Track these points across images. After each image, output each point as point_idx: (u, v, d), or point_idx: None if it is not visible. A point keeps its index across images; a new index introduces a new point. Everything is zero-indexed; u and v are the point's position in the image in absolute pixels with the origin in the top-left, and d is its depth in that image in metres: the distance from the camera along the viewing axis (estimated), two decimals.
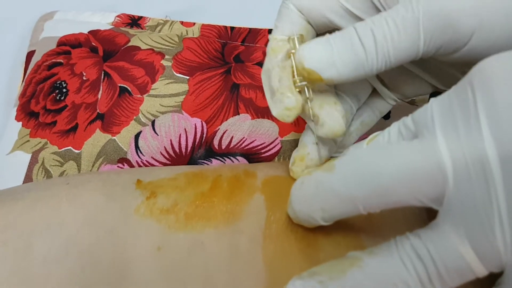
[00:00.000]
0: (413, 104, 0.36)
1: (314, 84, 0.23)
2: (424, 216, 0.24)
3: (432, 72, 0.26)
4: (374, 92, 0.28)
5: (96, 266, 0.23)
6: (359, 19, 0.23)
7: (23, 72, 0.41)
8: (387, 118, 0.35)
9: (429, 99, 0.36)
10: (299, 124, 0.35)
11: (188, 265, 0.23)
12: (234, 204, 0.25)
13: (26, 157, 0.35)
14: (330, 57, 0.21)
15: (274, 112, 0.23)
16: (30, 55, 0.41)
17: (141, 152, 0.34)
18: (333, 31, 0.22)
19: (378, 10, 0.23)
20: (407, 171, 0.18)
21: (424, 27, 0.20)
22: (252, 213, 0.24)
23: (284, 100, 0.23)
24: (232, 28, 0.41)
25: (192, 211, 0.24)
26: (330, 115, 0.24)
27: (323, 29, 0.25)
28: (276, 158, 0.34)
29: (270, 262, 0.23)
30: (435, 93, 0.34)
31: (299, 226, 0.23)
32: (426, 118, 0.19)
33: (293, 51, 0.23)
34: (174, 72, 0.36)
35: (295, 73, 0.23)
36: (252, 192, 0.25)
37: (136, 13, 0.43)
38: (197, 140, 0.34)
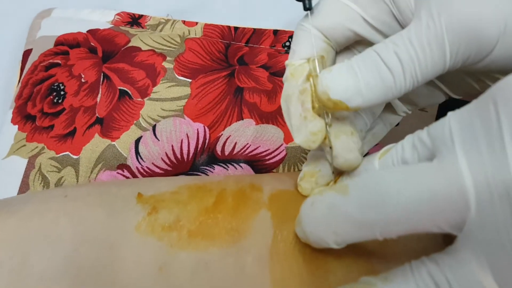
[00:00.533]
0: (422, 111, 0.34)
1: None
2: (439, 237, 0.23)
3: (446, 81, 0.25)
4: (386, 105, 0.27)
5: (95, 287, 0.22)
6: (380, 31, 0.22)
7: (19, 71, 0.40)
8: (396, 125, 0.34)
9: (438, 108, 0.35)
10: None
11: (191, 287, 0.22)
12: (240, 221, 0.24)
13: (23, 162, 0.33)
14: (356, 86, 0.20)
15: (298, 140, 0.23)
16: (26, 53, 0.40)
17: (141, 158, 0.33)
18: (353, 48, 0.21)
19: (395, 18, 0.22)
20: (427, 196, 0.17)
21: (450, 41, 0.19)
22: (258, 231, 0.23)
23: (308, 125, 0.22)
24: (236, 28, 0.40)
25: (195, 228, 0.23)
26: (346, 147, 0.23)
27: (345, 45, 0.24)
28: (281, 165, 0.33)
29: (278, 285, 0.22)
30: (446, 102, 0.33)
31: (307, 246, 0.22)
32: (444, 134, 0.18)
33: (313, 73, 0.22)
34: (176, 75, 0.35)
35: (314, 96, 0.22)
36: (258, 208, 0.24)
37: (136, 10, 0.41)
38: (200, 146, 0.33)
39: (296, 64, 0.23)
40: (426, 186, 0.17)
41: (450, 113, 0.18)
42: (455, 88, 0.25)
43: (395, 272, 0.19)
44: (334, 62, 0.25)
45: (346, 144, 0.23)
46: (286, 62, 0.23)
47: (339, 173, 0.25)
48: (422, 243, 0.23)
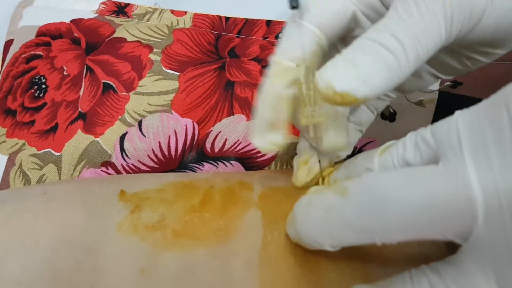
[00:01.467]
0: (420, 105, 0.33)
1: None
2: (441, 243, 0.22)
3: (430, 63, 0.24)
4: None
5: None
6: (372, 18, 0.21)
7: (0, 62, 0.38)
8: (393, 121, 0.33)
9: (437, 104, 0.34)
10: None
11: None
12: (228, 221, 0.22)
13: (2, 159, 0.32)
14: (358, 75, 0.18)
15: (256, 142, 0.22)
16: (8, 44, 0.38)
17: (126, 155, 0.31)
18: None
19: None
20: (430, 204, 0.16)
21: (445, 13, 0.18)
22: (248, 231, 0.22)
23: (274, 134, 0.21)
24: (227, 18, 0.38)
25: (180, 228, 0.22)
26: (333, 133, 0.22)
27: (338, 36, 0.23)
28: (273, 163, 0.32)
29: None
30: (445, 97, 0.32)
31: (299, 247, 0.21)
32: (451, 138, 0.16)
33: (302, 80, 0.21)
34: (163, 68, 0.34)
35: (310, 102, 0.21)
36: (248, 207, 0.23)
37: None
38: (188, 142, 0.32)
39: (284, 64, 0.21)
40: (430, 193, 0.16)
41: (457, 113, 0.17)
42: (440, 69, 0.24)
43: (394, 280, 0.18)
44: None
45: (332, 128, 0.22)
46: (273, 59, 0.22)
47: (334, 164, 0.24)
48: (422, 247, 0.22)
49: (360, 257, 0.21)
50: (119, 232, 0.22)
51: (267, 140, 0.22)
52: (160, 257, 0.22)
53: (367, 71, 0.18)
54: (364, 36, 0.19)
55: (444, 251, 0.18)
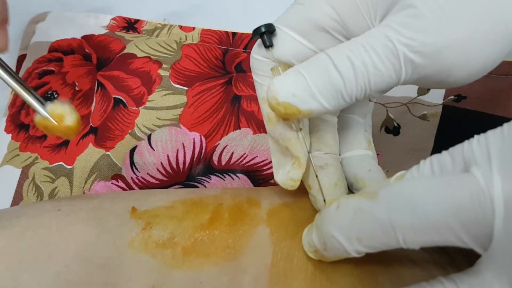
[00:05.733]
0: (424, 119, 0.34)
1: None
2: (449, 257, 0.22)
3: None
4: None
5: None
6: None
7: None
8: (397, 135, 0.33)
9: (440, 119, 0.34)
10: None
11: None
12: (236, 238, 0.23)
13: (16, 172, 0.33)
14: (305, 88, 0.19)
15: (278, 179, 0.23)
16: (21, 59, 0.39)
17: (136, 168, 0.32)
18: None
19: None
20: (455, 205, 0.17)
21: (406, 61, 0.19)
22: (257, 249, 0.22)
23: (293, 171, 0.23)
24: (234, 33, 0.39)
25: (190, 245, 0.22)
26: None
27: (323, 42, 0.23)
28: None
29: None
30: (450, 112, 0.32)
31: (309, 264, 0.21)
32: (476, 152, 0.17)
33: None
34: (172, 83, 0.34)
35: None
36: (256, 224, 0.23)
37: (132, 14, 0.40)
38: (196, 155, 0.33)
39: (258, 59, 0.22)
40: (455, 198, 0.17)
41: (483, 135, 0.18)
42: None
43: None
44: None
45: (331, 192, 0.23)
46: (253, 55, 0.23)
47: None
48: (436, 261, 0.22)
49: (371, 272, 0.22)
50: (130, 249, 0.23)
51: (287, 177, 0.22)
52: (170, 274, 0.22)
53: (314, 86, 0.19)
54: (326, 51, 0.19)
55: (455, 263, 0.19)
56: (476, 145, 0.17)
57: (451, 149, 0.18)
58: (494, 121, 0.32)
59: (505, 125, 0.17)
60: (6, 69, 0.24)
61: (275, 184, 0.32)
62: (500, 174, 0.16)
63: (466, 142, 0.18)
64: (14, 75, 0.24)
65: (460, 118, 0.33)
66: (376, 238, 0.18)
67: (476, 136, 0.18)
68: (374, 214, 0.18)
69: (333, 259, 0.21)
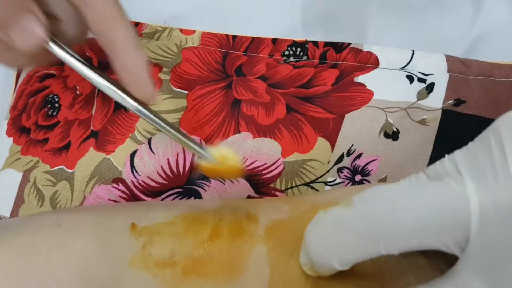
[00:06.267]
0: (423, 124, 0.34)
1: None
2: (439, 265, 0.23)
3: None
4: None
5: None
6: None
7: (15, 79, 0.39)
8: (396, 139, 0.33)
9: (440, 122, 0.34)
10: (303, 144, 0.33)
11: None
12: (235, 257, 0.23)
13: (17, 176, 0.33)
14: None
15: None
16: None
17: (137, 172, 0.32)
18: None
19: None
20: (431, 212, 0.17)
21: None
22: (255, 268, 0.23)
23: None
24: (234, 36, 0.39)
25: (190, 264, 0.23)
26: None
27: None
28: (278, 180, 0.33)
29: None
30: (450, 116, 0.32)
31: (308, 282, 0.21)
32: (447, 167, 0.19)
33: None
34: (172, 87, 0.35)
35: None
36: (255, 243, 0.23)
37: (133, 17, 0.40)
38: (196, 159, 0.33)
39: None
40: (431, 202, 0.17)
41: (451, 154, 0.19)
42: None
43: None
44: None
45: None
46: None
47: None
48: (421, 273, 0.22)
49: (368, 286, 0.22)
50: (131, 268, 0.23)
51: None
52: None
53: None
54: None
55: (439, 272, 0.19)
56: (446, 161, 0.19)
57: (426, 169, 0.19)
58: None
59: (470, 143, 0.19)
60: (168, 123, 0.25)
61: (275, 188, 0.32)
62: (472, 179, 0.17)
63: (438, 162, 0.19)
64: (173, 127, 0.25)
65: (460, 122, 0.33)
66: (357, 249, 0.19)
67: (446, 156, 0.19)
68: (351, 224, 0.19)
69: (327, 275, 0.21)
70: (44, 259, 0.23)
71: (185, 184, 0.33)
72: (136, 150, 0.33)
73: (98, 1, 0.22)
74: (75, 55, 0.24)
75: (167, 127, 0.26)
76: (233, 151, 0.26)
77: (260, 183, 0.33)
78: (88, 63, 0.25)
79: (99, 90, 0.35)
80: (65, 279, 0.22)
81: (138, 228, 0.24)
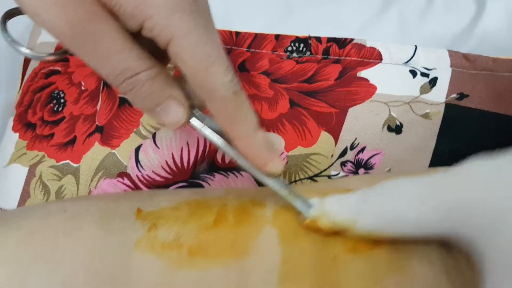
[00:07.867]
0: (426, 118, 0.34)
1: None
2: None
3: None
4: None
5: None
6: None
7: (21, 77, 0.40)
8: (399, 133, 0.33)
9: (443, 118, 0.34)
10: (306, 138, 0.33)
11: None
12: (243, 239, 0.23)
13: (23, 171, 0.33)
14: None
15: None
16: (27, 59, 0.40)
17: (141, 166, 0.33)
18: None
19: None
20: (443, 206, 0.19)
21: None
22: (264, 249, 0.22)
23: None
24: (238, 33, 0.39)
25: (196, 246, 0.23)
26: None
27: None
28: (282, 174, 0.33)
29: None
30: (452, 109, 0.32)
31: (317, 262, 0.21)
32: None
33: None
34: None
35: None
36: (262, 225, 0.23)
37: None
38: (200, 154, 0.33)
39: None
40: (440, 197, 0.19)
41: None
42: None
43: None
44: None
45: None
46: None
47: None
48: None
49: (378, 266, 0.22)
50: (136, 251, 0.23)
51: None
52: (176, 275, 0.22)
53: None
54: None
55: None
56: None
57: None
58: (496, 120, 0.32)
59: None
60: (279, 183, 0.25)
61: None
62: None
63: None
64: (283, 184, 0.24)
65: (463, 116, 0.33)
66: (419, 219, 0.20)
67: None
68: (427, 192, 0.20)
69: (329, 232, 0.22)
70: (50, 244, 0.23)
71: (190, 178, 0.33)
72: (141, 144, 0.33)
73: (217, 102, 0.22)
74: (213, 131, 0.24)
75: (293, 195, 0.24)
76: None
77: None
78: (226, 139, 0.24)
79: (104, 85, 0.35)
80: (70, 263, 0.23)
81: (143, 213, 0.24)
